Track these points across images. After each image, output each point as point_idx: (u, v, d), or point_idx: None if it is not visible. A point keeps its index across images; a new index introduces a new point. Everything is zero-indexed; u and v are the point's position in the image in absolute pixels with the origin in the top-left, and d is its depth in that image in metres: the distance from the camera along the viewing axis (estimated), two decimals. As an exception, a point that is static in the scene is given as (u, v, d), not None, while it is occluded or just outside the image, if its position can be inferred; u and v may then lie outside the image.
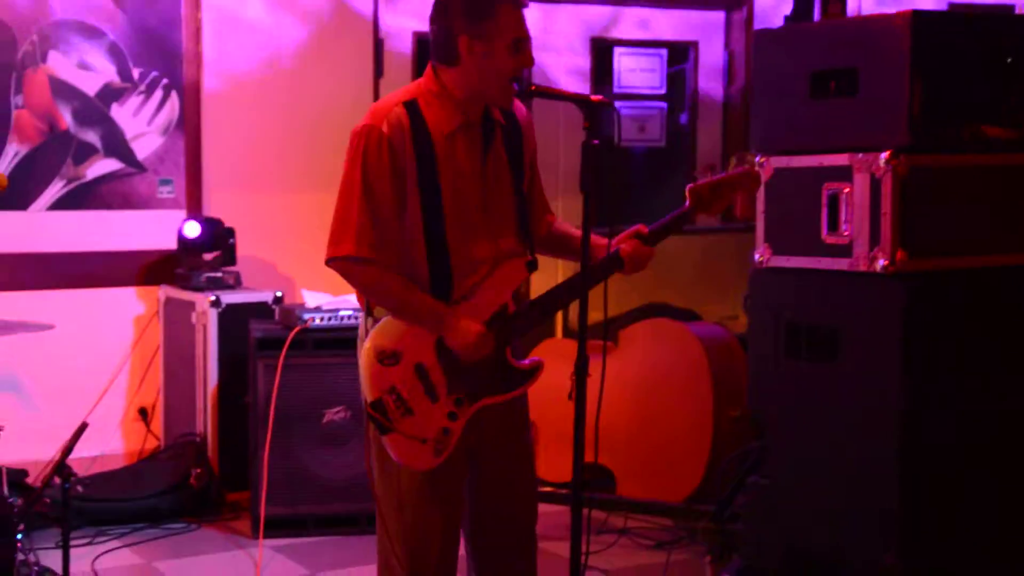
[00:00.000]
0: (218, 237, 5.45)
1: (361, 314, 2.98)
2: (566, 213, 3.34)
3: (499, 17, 2.79)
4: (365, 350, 2.88)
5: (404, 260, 2.86)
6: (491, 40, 2.79)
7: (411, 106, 2.84)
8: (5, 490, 3.79)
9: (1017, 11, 7.24)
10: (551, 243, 3.13)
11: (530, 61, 2.85)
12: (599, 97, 2.83)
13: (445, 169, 2.85)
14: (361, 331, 2.97)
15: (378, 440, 2.89)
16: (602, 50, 6.70)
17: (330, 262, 2.86)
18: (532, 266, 2.95)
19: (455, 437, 2.88)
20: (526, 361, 2.95)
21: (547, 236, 3.12)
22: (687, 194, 3.01)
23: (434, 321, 2.85)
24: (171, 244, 5.57)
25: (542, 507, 5.06)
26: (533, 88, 2.90)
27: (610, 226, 2.95)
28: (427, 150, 2.83)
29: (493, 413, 2.93)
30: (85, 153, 5.47)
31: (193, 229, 5.44)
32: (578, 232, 3.03)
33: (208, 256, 5.46)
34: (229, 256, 5.47)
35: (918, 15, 3.38)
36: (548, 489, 5.14)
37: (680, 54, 6.94)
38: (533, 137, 3.05)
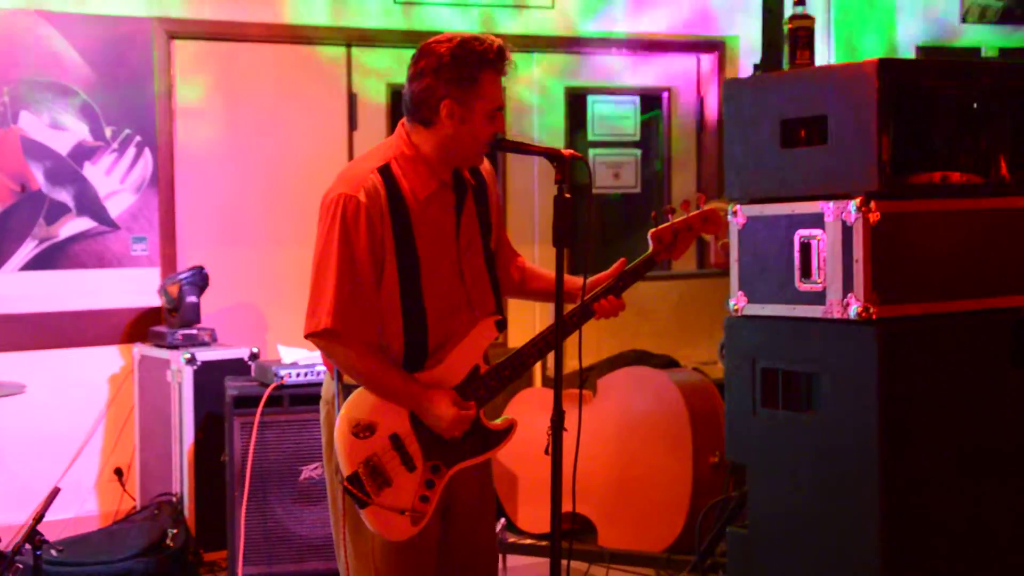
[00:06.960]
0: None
1: (326, 375, 2.95)
2: (543, 262, 3.34)
3: (482, 85, 2.79)
4: (339, 422, 2.83)
5: (380, 326, 2.83)
6: (471, 106, 2.80)
7: (385, 172, 2.82)
8: (-23, 557, 3.74)
9: (983, 54, 7.32)
10: (524, 289, 3.13)
11: (502, 128, 2.86)
12: (570, 152, 2.83)
13: (421, 235, 2.83)
14: (325, 392, 2.94)
15: (351, 511, 2.85)
16: (576, 97, 6.73)
17: (309, 337, 2.84)
18: (501, 325, 2.94)
19: (433, 505, 2.85)
20: (499, 422, 2.95)
21: (520, 282, 3.12)
22: (649, 238, 3.03)
23: (410, 403, 2.84)
24: (145, 302, 5.54)
25: (524, 559, 5.02)
26: (503, 142, 2.90)
27: (586, 275, 2.94)
28: (404, 217, 2.81)
29: (463, 470, 2.92)
30: (57, 212, 5.45)
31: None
32: (549, 274, 3.03)
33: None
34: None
35: (884, 63, 3.40)
36: (528, 541, 5.10)
37: (653, 101, 6.98)
38: (496, 187, 3.07)
